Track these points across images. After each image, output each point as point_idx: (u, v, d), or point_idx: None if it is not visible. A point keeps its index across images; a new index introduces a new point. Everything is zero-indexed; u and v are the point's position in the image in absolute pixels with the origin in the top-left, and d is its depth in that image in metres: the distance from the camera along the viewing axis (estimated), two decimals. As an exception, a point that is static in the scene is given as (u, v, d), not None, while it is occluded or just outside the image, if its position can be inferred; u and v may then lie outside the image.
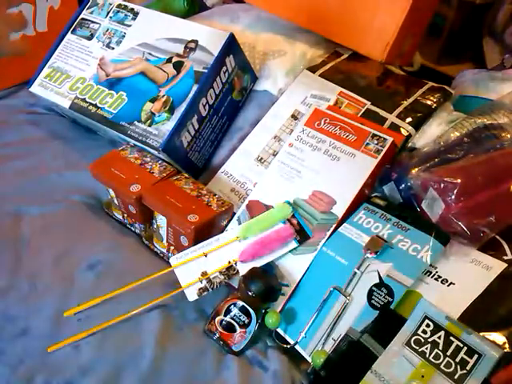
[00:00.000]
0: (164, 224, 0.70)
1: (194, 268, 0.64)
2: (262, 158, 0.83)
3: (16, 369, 0.56)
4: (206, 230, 0.69)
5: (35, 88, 0.90)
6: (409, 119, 0.77)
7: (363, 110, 0.80)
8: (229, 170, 0.84)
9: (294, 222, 0.70)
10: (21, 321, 0.60)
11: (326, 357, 0.59)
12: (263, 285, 0.61)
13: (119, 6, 0.92)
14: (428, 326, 0.56)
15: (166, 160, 0.78)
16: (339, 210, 0.69)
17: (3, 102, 1.00)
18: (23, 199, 0.77)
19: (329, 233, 0.69)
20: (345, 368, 0.59)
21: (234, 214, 0.75)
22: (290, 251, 0.69)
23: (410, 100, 0.80)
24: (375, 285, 0.61)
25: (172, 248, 0.72)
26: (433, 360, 0.54)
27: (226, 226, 0.74)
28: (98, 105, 0.83)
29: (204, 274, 0.64)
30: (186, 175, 0.76)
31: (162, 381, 0.56)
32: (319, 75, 0.88)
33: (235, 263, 0.65)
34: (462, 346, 0.53)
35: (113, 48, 0.88)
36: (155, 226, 0.73)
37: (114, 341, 0.59)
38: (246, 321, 0.61)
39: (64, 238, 0.71)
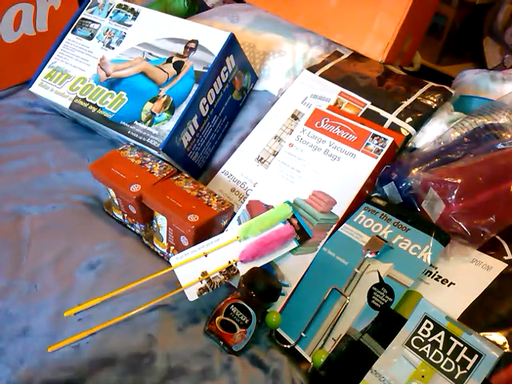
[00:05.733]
0: (164, 224, 0.70)
1: (194, 268, 0.64)
2: (262, 158, 0.83)
3: (16, 369, 0.56)
4: (207, 230, 0.69)
5: (35, 88, 0.90)
6: (409, 119, 0.77)
7: (363, 109, 0.80)
8: (229, 169, 0.84)
9: (295, 222, 0.70)
10: (21, 321, 0.60)
11: (326, 357, 0.59)
12: (263, 285, 0.61)
13: (119, 5, 0.92)
14: (428, 326, 0.56)
15: (166, 160, 0.78)
16: (339, 210, 0.69)
17: (3, 101, 1.00)
18: (23, 199, 0.77)
19: (329, 233, 0.69)
20: (345, 368, 0.59)
21: (234, 213, 0.75)
22: (290, 251, 0.69)
23: (411, 100, 0.80)
24: (375, 285, 0.61)
25: (172, 248, 0.72)
26: (433, 360, 0.54)
27: (226, 225, 0.74)
28: (99, 105, 0.83)
29: (204, 273, 0.64)
30: (187, 175, 0.76)
31: (163, 381, 0.56)
32: (319, 75, 0.88)
33: (235, 263, 0.65)
34: (462, 346, 0.53)
35: (113, 48, 0.88)
36: (155, 226, 0.73)
37: (115, 341, 0.59)
38: (246, 321, 0.61)
39: (64, 237, 0.71)
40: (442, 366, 0.53)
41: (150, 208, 0.71)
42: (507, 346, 0.52)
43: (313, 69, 0.89)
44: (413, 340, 0.56)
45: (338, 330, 0.61)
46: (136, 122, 0.79)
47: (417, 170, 0.68)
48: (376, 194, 0.72)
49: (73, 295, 0.63)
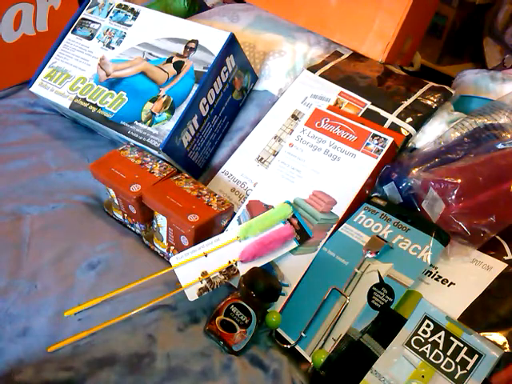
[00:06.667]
0: (164, 224, 0.70)
1: (194, 268, 0.64)
2: (262, 158, 0.83)
3: (16, 369, 0.55)
4: (207, 230, 0.69)
5: (35, 88, 0.90)
6: (409, 119, 0.77)
7: (363, 110, 0.80)
8: (229, 169, 0.84)
9: (295, 221, 0.70)
10: (21, 321, 0.60)
11: (326, 357, 0.59)
12: (263, 285, 0.61)
13: (119, 5, 0.92)
14: (428, 326, 0.56)
15: (166, 160, 0.78)
16: (339, 210, 0.69)
17: (3, 101, 1.00)
18: (23, 199, 0.77)
19: (329, 233, 0.69)
20: (345, 368, 0.59)
21: (235, 213, 0.75)
22: (290, 251, 0.69)
23: (411, 100, 0.80)
24: (375, 285, 0.61)
25: (172, 248, 0.72)
26: (433, 360, 0.54)
27: (227, 225, 0.74)
28: (99, 105, 0.83)
29: (204, 273, 0.64)
30: (187, 175, 0.76)
31: (163, 381, 0.56)
32: (319, 75, 0.88)
33: (235, 263, 0.65)
34: (462, 346, 0.53)
35: (113, 48, 0.88)
36: (155, 226, 0.73)
37: (115, 341, 0.59)
38: (246, 321, 0.61)
39: (64, 237, 0.71)
40: (442, 366, 0.53)
41: (150, 208, 0.71)
42: (507, 345, 0.52)
43: (313, 69, 0.89)
44: (413, 340, 0.56)
45: (338, 330, 0.61)
46: (136, 122, 0.79)
47: (417, 169, 0.68)
48: (376, 194, 0.72)
49: (73, 295, 0.63)
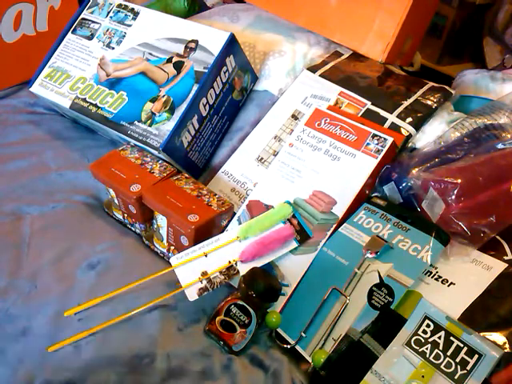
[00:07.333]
0: (164, 224, 0.70)
1: (195, 268, 0.64)
2: (262, 158, 0.83)
3: (16, 369, 0.56)
4: (207, 230, 0.69)
5: (36, 88, 0.90)
6: (409, 119, 0.77)
7: (363, 110, 0.80)
8: (229, 169, 0.84)
9: (295, 221, 0.70)
10: (21, 321, 0.60)
11: (326, 357, 0.59)
12: (263, 285, 0.61)
13: (119, 5, 0.92)
14: (428, 326, 0.56)
15: (166, 160, 0.78)
16: (339, 210, 0.69)
17: (3, 101, 1.00)
18: (23, 199, 0.77)
19: (329, 233, 0.69)
20: (345, 368, 0.59)
21: (235, 213, 0.75)
22: (290, 251, 0.69)
23: (411, 100, 0.80)
24: (375, 285, 0.61)
25: (172, 248, 0.72)
26: (433, 360, 0.54)
27: (227, 225, 0.74)
28: (99, 105, 0.83)
29: (204, 273, 0.64)
30: (187, 175, 0.76)
31: (163, 381, 0.56)
32: (319, 75, 0.88)
33: (235, 263, 0.65)
34: (462, 346, 0.53)
35: (113, 48, 0.88)
36: (155, 226, 0.73)
37: (115, 341, 0.59)
38: (246, 321, 0.61)
39: (64, 237, 0.71)
40: (442, 366, 0.53)
41: (150, 208, 0.71)
42: (507, 346, 0.52)
43: (313, 69, 0.89)
44: (413, 340, 0.56)
45: (338, 330, 0.61)
46: (136, 122, 0.79)
47: (417, 169, 0.68)
48: (376, 194, 0.72)
49: (73, 295, 0.63)
